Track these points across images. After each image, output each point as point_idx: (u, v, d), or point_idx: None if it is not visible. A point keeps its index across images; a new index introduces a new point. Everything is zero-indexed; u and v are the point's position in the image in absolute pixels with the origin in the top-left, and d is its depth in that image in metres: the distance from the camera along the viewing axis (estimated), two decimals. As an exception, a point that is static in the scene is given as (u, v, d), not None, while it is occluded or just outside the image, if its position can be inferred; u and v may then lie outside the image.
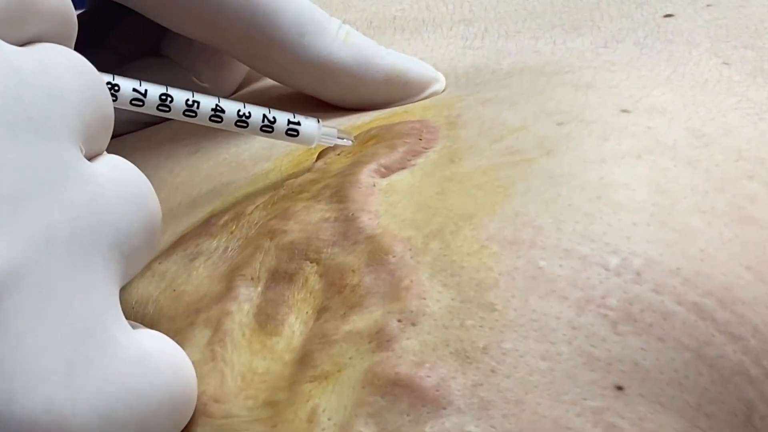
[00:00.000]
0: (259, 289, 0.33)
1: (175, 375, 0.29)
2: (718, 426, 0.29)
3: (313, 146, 0.37)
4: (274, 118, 0.36)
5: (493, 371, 0.28)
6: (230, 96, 0.48)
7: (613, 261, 0.30)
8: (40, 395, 0.26)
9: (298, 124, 0.36)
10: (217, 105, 0.35)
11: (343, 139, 0.37)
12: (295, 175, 0.37)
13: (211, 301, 0.33)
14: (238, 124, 0.36)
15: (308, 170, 0.37)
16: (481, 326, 0.29)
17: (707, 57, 0.40)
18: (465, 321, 0.29)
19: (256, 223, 0.35)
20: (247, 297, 0.32)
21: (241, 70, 0.48)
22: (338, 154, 0.37)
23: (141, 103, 0.34)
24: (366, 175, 0.34)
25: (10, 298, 0.25)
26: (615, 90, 0.37)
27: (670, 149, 0.33)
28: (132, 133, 0.47)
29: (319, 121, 0.37)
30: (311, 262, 0.32)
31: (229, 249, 0.35)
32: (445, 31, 0.47)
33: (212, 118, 0.35)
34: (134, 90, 0.34)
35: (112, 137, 0.41)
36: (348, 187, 0.34)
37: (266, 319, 0.32)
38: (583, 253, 0.30)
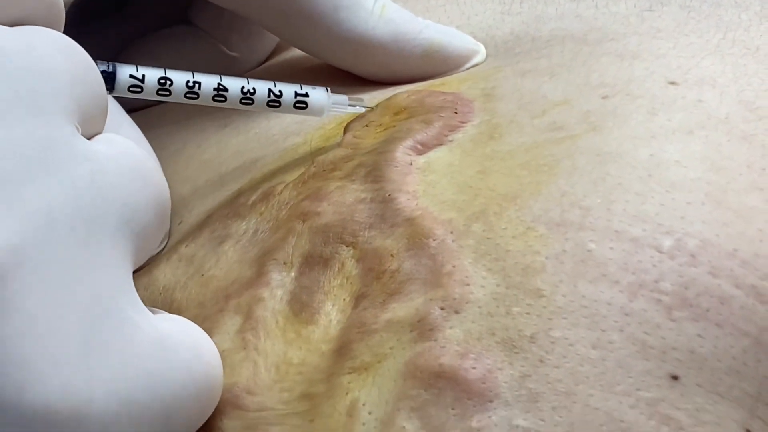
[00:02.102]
0: (293, 274, 0.31)
1: (196, 356, 0.29)
2: (779, 416, 0.28)
3: (323, 116, 0.36)
4: (280, 91, 0.35)
5: (541, 361, 0.27)
6: (259, 66, 0.46)
7: (667, 243, 0.29)
8: (55, 381, 0.25)
9: (306, 95, 0.35)
10: (219, 84, 0.34)
11: (355, 106, 0.36)
12: (325, 150, 0.36)
13: (242, 287, 0.32)
14: (243, 101, 0.35)
15: (338, 145, 0.35)
16: (528, 314, 0.28)
17: (757, 21, 0.38)
18: (511, 308, 0.28)
19: (287, 204, 0.34)
20: (279, 283, 0.31)
21: (272, 39, 0.47)
22: (366, 126, 0.36)
23: (140, 90, 0.33)
24: (402, 152, 0.33)
25: (15, 280, 0.25)
26: (662, 60, 0.35)
27: (723, 123, 0.32)
28: (159, 106, 0.45)
29: (328, 90, 0.35)
30: (347, 246, 0.31)
31: (260, 231, 0.34)
32: (481, -4, 0.46)
33: (215, 98, 0.34)
34: (131, 76, 0.33)
35: (139, 109, 0.40)
36: (383, 166, 0.33)
37: (301, 307, 0.31)
38: (634, 235, 0.29)
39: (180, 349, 0.28)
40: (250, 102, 0.35)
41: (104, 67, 0.33)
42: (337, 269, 0.31)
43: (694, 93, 0.33)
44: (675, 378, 0.27)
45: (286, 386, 0.29)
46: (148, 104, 0.45)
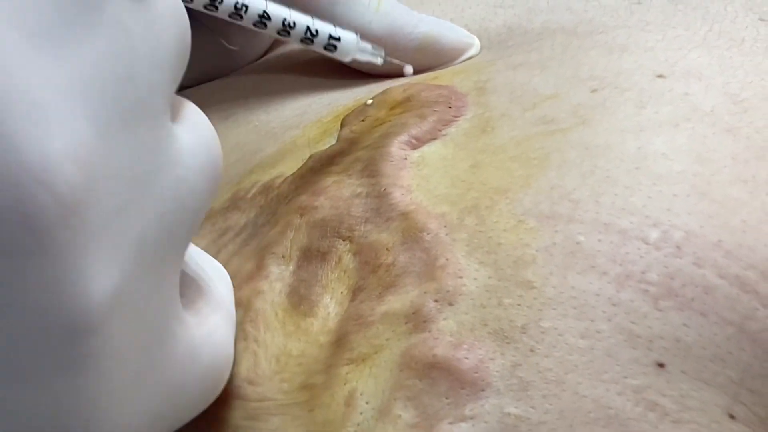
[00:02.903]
0: (291, 267, 0.32)
1: (214, 360, 0.29)
2: (761, 401, 0.29)
3: (347, 60, 0.37)
4: (316, 30, 0.36)
5: (532, 351, 0.28)
6: (258, 59, 0.47)
7: (653, 234, 0.30)
8: (109, 416, 0.24)
9: (338, 39, 0.36)
10: (264, 11, 0.35)
11: (375, 56, 0.37)
12: (323, 144, 0.37)
13: (242, 280, 0.33)
14: (280, 32, 0.36)
15: (335, 139, 0.36)
16: (519, 305, 0.29)
17: (743, 13, 0.39)
18: (503, 300, 0.29)
19: (286, 198, 0.35)
20: (278, 276, 0.32)
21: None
22: (363, 120, 0.37)
23: (190, 1, 0.34)
24: (397, 147, 0.34)
25: (107, 325, 0.23)
26: (650, 53, 0.36)
27: (709, 116, 0.32)
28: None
29: (358, 37, 0.37)
30: (344, 240, 0.32)
31: (259, 224, 0.35)
32: (475, -12, 0.47)
33: (256, 24, 0.35)
34: None
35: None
36: (379, 161, 0.34)
37: (299, 300, 0.32)
38: (622, 227, 0.30)
39: (205, 358, 0.28)
40: (287, 34, 0.36)
41: None
42: (334, 263, 0.32)
43: (681, 86, 0.34)
44: (661, 366, 0.28)
45: (286, 377, 0.30)
46: None
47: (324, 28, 0.36)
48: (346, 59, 0.36)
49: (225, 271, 0.32)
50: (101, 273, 0.22)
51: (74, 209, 0.21)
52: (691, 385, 0.28)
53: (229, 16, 0.34)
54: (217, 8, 0.34)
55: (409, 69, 0.38)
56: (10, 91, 0.20)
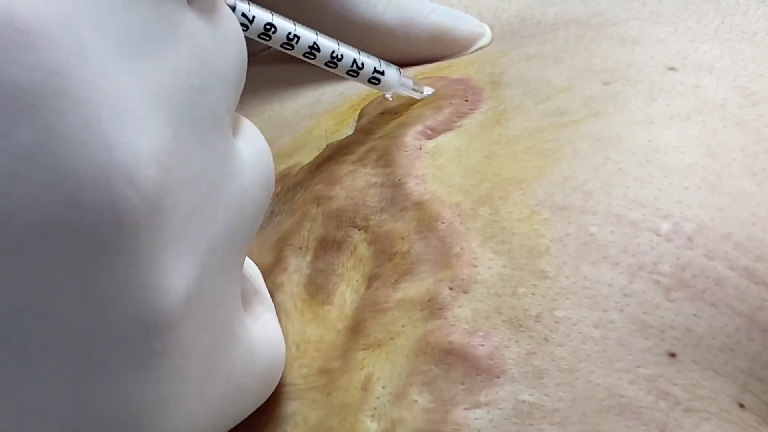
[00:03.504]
0: (308, 258, 0.33)
1: (272, 363, 0.30)
2: (770, 390, 0.29)
3: (388, 95, 0.37)
4: (362, 63, 0.37)
5: (546, 340, 0.29)
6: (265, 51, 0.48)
7: (665, 226, 0.30)
8: (178, 415, 0.25)
9: (382, 73, 0.37)
10: (314, 43, 0.36)
11: (416, 91, 0.38)
12: (339, 134, 0.37)
13: (263, 274, 0.33)
14: (328, 64, 0.36)
15: (351, 129, 0.37)
16: (533, 294, 0.30)
17: (754, 5, 0.40)
18: (517, 289, 0.30)
19: (303, 186, 0.35)
20: (296, 267, 0.33)
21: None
22: (382, 113, 0.37)
23: (246, 28, 0.34)
24: (412, 137, 0.35)
25: (181, 325, 0.24)
26: (662, 45, 0.37)
27: (719, 109, 0.33)
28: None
29: (400, 72, 0.37)
30: (359, 230, 0.33)
31: (276, 213, 0.35)
32: (488, -23, 0.47)
33: (306, 55, 0.36)
34: (243, 15, 0.34)
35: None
36: (394, 151, 0.34)
37: (317, 289, 0.32)
38: (633, 219, 0.30)
39: (263, 357, 0.29)
40: (334, 66, 0.36)
41: (243, 11, 0.34)
42: (350, 252, 0.33)
43: (692, 78, 0.35)
44: (672, 355, 0.29)
45: (305, 362, 0.31)
46: None
47: (369, 61, 0.37)
48: (388, 93, 0.37)
49: (254, 265, 0.33)
50: (178, 272, 0.24)
51: (157, 209, 0.22)
52: (701, 375, 0.29)
53: (281, 46, 0.35)
54: (270, 38, 0.35)
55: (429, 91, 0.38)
56: (105, 95, 0.21)
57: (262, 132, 0.39)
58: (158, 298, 0.23)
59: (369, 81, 0.36)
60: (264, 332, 0.30)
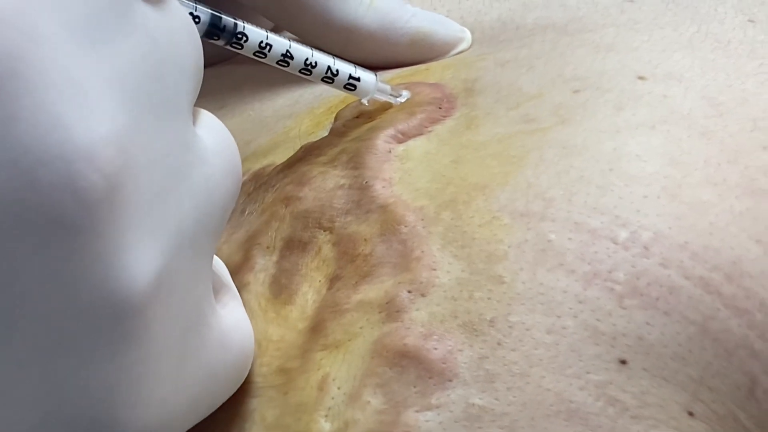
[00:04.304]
0: (274, 258, 0.34)
1: (242, 352, 0.31)
2: (720, 399, 0.30)
3: (365, 100, 0.38)
4: (337, 71, 0.37)
5: (499, 344, 0.30)
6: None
7: (622, 234, 0.31)
8: (153, 402, 0.26)
9: (358, 80, 0.38)
10: (287, 51, 0.37)
11: (394, 97, 0.38)
12: (315, 136, 0.38)
13: (231, 272, 0.34)
14: (302, 71, 0.37)
15: (327, 132, 0.38)
16: (489, 299, 0.30)
17: (733, 14, 0.40)
18: (473, 293, 0.31)
19: (274, 186, 0.36)
20: (262, 267, 0.34)
21: (268, 23, 0.49)
22: (357, 117, 0.38)
23: (216, 38, 0.35)
24: (382, 140, 0.35)
25: (150, 309, 0.24)
26: (635, 53, 0.37)
27: (685, 119, 0.34)
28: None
29: (377, 78, 0.38)
30: (325, 231, 0.34)
31: (247, 212, 0.36)
32: (474, -21, 0.48)
33: (279, 63, 0.37)
34: (212, 25, 0.35)
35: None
36: (364, 153, 0.35)
37: (280, 289, 0.33)
38: (592, 226, 0.31)
39: (234, 346, 0.30)
40: (308, 74, 0.37)
41: (191, 10, 0.34)
42: (314, 253, 0.34)
43: (660, 88, 0.35)
44: (623, 362, 0.30)
45: (265, 361, 0.32)
46: None
47: (345, 68, 0.37)
48: (365, 99, 0.38)
49: (220, 261, 0.34)
50: (145, 254, 0.24)
51: (118, 188, 0.23)
52: (651, 382, 0.30)
53: (254, 54, 0.36)
54: (242, 46, 0.36)
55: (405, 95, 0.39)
56: (59, 78, 0.22)
57: (241, 131, 0.40)
58: (126, 280, 0.23)
59: (345, 87, 0.37)
60: (234, 321, 0.30)
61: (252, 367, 0.32)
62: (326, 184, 0.35)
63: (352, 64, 0.37)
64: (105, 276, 0.23)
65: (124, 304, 0.24)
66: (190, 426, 0.29)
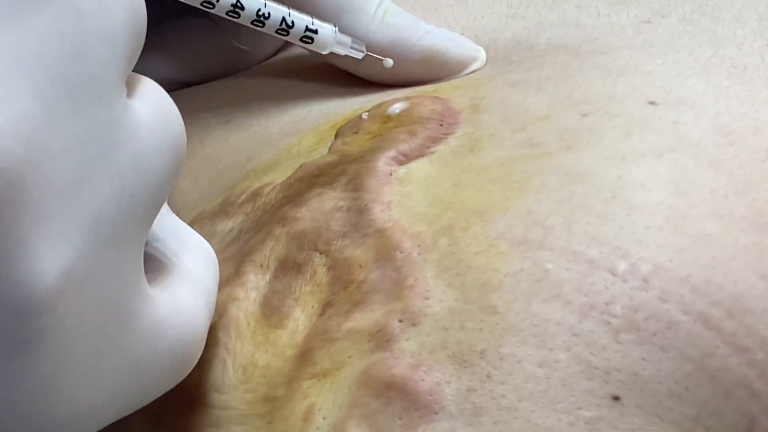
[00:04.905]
0: (267, 277, 0.34)
1: (181, 337, 0.29)
2: (717, 439, 0.30)
3: (325, 53, 0.37)
4: (292, 22, 0.37)
5: (488, 376, 0.29)
6: (267, 60, 0.49)
7: (621, 266, 0.30)
8: (66, 395, 0.25)
9: (315, 32, 0.37)
10: (238, 1, 0.36)
11: (354, 50, 0.38)
12: (315, 154, 0.38)
13: (220, 285, 0.34)
14: (254, 23, 0.36)
15: (327, 149, 0.38)
16: (480, 329, 0.30)
17: (752, 38, 0.40)
18: (465, 323, 0.30)
19: (272, 206, 0.36)
20: (254, 284, 0.34)
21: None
22: (356, 133, 0.38)
23: None
24: (383, 162, 0.35)
25: (63, 303, 0.23)
26: (647, 77, 0.37)
27: (694, 147, 0.33)
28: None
29: (336, 30, 0.37)
30: (320, 254, 0.34)
31: (243, 232, 0.36)
32: (492, -5, 0.47)
33: (229, 13, 0.36)
34: None
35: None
36: (364, 175, 0.35)
37: (271, 311, 0.33)
38: (591, 257, 0.31)
39: (170, 333, 0.28)
40: (261, 26, 0.36)
41: None
42: (309, 276, 0.33)
43: (671, 114, 0.35)
44: (616, 399, 0.29)
45: (251, 387, 0.32)
46: None
47: (301, 20, 0.36)
48: (324, 52, 0.37)
49: (208, 246, 0.32)
50: (52, 250, 0.23)
51: (18, 184, 0.22)
52: (645, 420, 0.29)
53: (201, 4, 0.35)
54: None
55: (388, 62, 0.38)
56: None
57: (245, 147, 0.40)
58: (30, 279, 0.22)
59: (301, 40, 0.36)
60: (172, 305, 0.29)
61: (236, 392, 0.32)
62: (324, 205, 0.35)
63: (310, 16, 0.37)
64: (6, 277, 0.22)
65: (29, 305, 0.22)
66: (115, 419, 0.28)
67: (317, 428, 0.30)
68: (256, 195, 0.37)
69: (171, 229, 0.31)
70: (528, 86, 0.38)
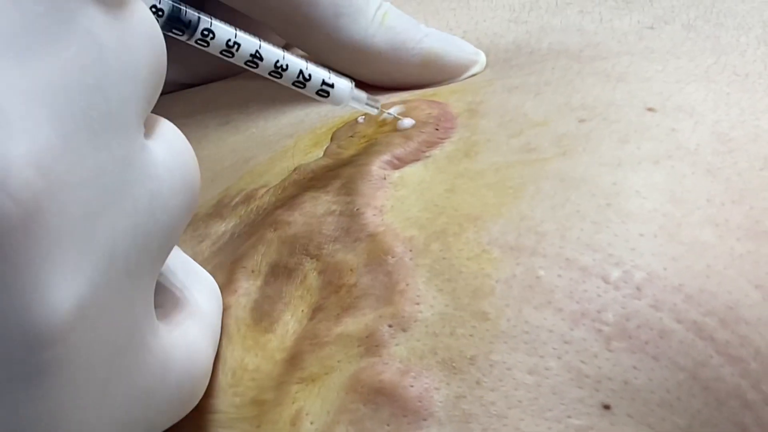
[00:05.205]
0: (259, 283, 0.34)
1: (189, 371, 0.30)
2: (709, 450, 0.29)
3: (340, 107, 0.37)
4: (309, 75, 0.37)
5: (478, 383, 0.29)
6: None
7: (615, 273, 0.30)
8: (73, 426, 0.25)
9: (332, 86, 0.37)
10: (257, 51, 0.36)
11: (370, 106, 0.38)
12: (311, 157, 0.38)
13: None
14: (272, 74, 0.36)
15: (323, 152, 0.38)
16: (471, 335, 0.30)
17: (755, 45, 0.39)
18: (456, 329, 0.30)
19: (265, 209, 0.36)
20: (246, 291, 0.34)
21: (280, 40, 0.49)
22: (351, 137, 0.38)
23: (181, 34, 0.34)
24: (377, 166, 0.35)
25: (76, 335, 0.24)
26: (646, 84, 0.37)
27: (691, 155, 0.33)
28: (166, 95, 0.48)
29: (353, 85, 0.37)
30: (312, 258, 0.34)
31: (236, 235, 0.36)
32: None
33: (248, 63, 0.36)
34: (178, 20, 0.34)
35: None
36: (358, 179, 0.35)
37: (261, 316, 0.33)
38: (584, 264, 0.31)
39: (177, 367, 0.29)
40: (278, 77, 0.36)
41: (153, 2, 0.33)
42: (299, 281, 0.33)
43: (669, 121, 0.35)
44: (607, 407, 0.29)
45: (239, 391, 0.32)
46: None
47: (318, 73, 0.36)
48: (339, 106, 0.37)
49: (213, 281, 0.33)
50: (65, 282, 0.23)
51: (35, 215, 0.22)
52: (635, 429, 0.29)
53: (221, 53, 0.35)
54: (208, 44, 0.35)
55: (406, 122, 0.38)
56: None
57: (242, 149, 0.40)
58: (42, 310, 0.22)
59: (317, 93, 0.36)
60: (181, 341, 0.29)
61: (225, 396, 0.32)
62: (317, 209, 0.35)
63: (327, 69, 0.37)
64: (20, 308, 0.22)
65: (41, 337, 0.23)
66: None
67: None
68: (249, 197, 0.37)
69: (179, 262, 0.32)
70: (526, 91, 0.38)
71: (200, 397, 0.31)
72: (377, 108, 0.37)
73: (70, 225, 0.23)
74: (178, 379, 0.29)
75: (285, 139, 0.41)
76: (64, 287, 0.23)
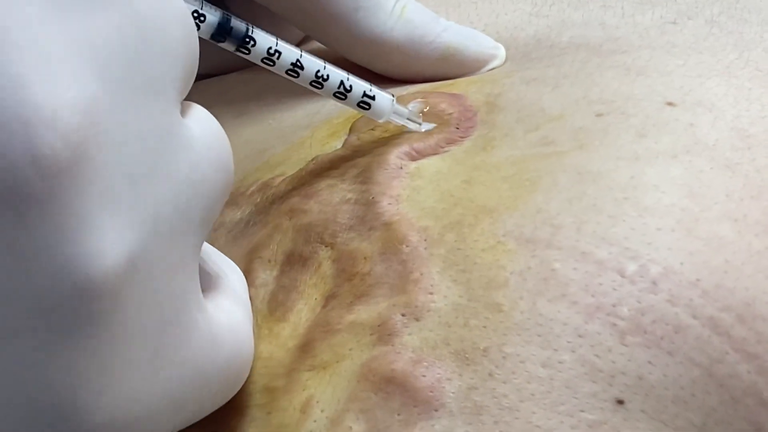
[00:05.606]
0: (275, 273, 0.34)
1: (237, 355, 0.30)
2: (723, 447, 0.29)
3: (381, 121, 0.37)
4: (350, 86, 0.36)
5: (490, 375, 0.29)
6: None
7: (630, 267, 0.30)
8: (123, 394, 0.25)
9: (373, 98, 0.37)
10: (297, 60, 0.36)
11: (412, 121, 0.37)
12: (329, 147, 0.38)
13: None
14: (313, 83, 0.36)
15: (341, 142, 0.38)
16: (484, 327, 0.30)
17: (779, 41, 0.39)
18: (469, 320, 0.30)
19: (280, 198, 0.36)
20: (263, 282, 0.34)
21: (299, 33, 0.49)
22: (372, 129, 0.38)
23: (222, 39, 0.35)
24: (395, 156, 0.35)
25: (124, 295, 0.24)
26: (666, 78, 0.37)
27: (710, 150, 0.33)
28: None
29: (393, 99, 0.37)
30: (326, 246, 0.34)
31: (251, 223, 0.36)
32: (516, -7, 0.47)
33: (288, 72, 0.36)
34: (219, 25, 0.34)
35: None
36: (374, 168, 0.35)
37: (276, 305, 0.33)
38: (599, 257, 0.30)
39: (225, 345, 0.29)
40: (319, 87, 0.36)
41: (196, 8, 0.34)
42: (314, 269, 0.33)
43: (688, 116, 0.34)
44: (620, 402, 0.29)
45: (251, 379, 0.32)
46: None
47: (359, 85, 0.36)
48: (380, 120, 0.37)
49: (238, 268, 0.33)
50: (115, 234, 0.23)
51: (84, 158, 0.22)
52: (648, 425, 0.29)
53: (262, 60, 0.35)
54: (250, 51, 0.35)
55: (423, 126, 0.38)
56: (23, 39, 0.22)
57: (258, 140, 0.40)
58: (94, 257, 0.23)
59: (358, 105, 0.36)
60: (228, 323, 0.29)
61: None
62: (332, 197, 0.35)
63: (368, 82, 0.37)
64: (71, 252, 0.22)
65: (93, 284, 0.23)
66: (174, 429, 0.28)
67: (315, 421, 0.30)
68: (266, 186, 0.37)
69: (211, 251, 0.32)
70: (544, 84, 0.38)
71: (243, 382, 0.31)
72: (419, 123, 0.37)
73: (117, 179, 0.23)
74: (227, 358, 0.29)
75: (301, 131, 0.41)
76: (113, 239, 0.23)
